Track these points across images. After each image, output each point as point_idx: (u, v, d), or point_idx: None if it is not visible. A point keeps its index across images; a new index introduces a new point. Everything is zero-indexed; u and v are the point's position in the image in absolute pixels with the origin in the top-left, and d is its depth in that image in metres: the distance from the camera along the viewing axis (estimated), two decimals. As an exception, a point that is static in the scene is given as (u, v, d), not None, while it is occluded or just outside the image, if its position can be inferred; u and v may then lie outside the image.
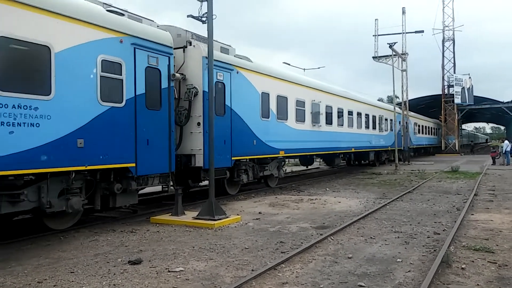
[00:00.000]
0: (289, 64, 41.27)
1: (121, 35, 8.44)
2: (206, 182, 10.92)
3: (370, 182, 17.29)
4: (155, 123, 9.15)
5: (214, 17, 9.47)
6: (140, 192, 11.41)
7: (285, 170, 18.01)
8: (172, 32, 10.34)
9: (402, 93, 35.62)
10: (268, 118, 13.77)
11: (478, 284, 5.05)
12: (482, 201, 11.66)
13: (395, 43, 29.24)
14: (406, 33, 38.37)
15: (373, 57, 40.10)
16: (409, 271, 5.54)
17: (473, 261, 5.96)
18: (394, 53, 30.40)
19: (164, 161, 9.46)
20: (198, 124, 10.79)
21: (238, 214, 9.62)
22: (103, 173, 8.30)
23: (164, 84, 9.52)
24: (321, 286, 5.00)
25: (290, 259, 6.03)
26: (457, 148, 49.74)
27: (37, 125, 6.81)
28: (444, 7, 48.74)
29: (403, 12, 38.93)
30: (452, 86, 47.99)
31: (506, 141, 29.38)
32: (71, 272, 5.61)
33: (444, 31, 49.04)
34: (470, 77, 48.44)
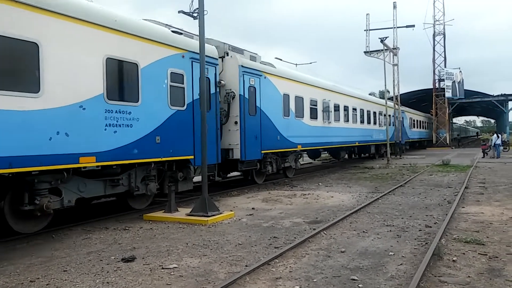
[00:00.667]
0: (281, 60, 41.12)
1: (183, 51, 10.21)
2: (230, 174, 13.84)
3: (362, 177, 17.39)
4: (207, 122, 10.19)
5: (205, 12, 9.43)
6: None
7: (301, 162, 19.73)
8: (212, 44, 11.97)
9: (394, 87, 35.77)
10: (289, 116, 15.60)
11: (469, 276, 5.12)
12: (473, 194, 11.79)
13: (386, 37, 29.38)
14: (397, 27, 38.51)
15: (365, 52, 40.22)
16: (401, 264, 5.60)
17: (464, 253, 6.03)
18: (385, 48, 30.51)
19: (213, 154, 11.20)
20: (236, 123, 12.55)
21: (231, 210, 9.63)
22: (169, 164, 10.14)
23: (212, 90, 11.31)
24: (315, 280, 5.03)
25: (283, 254, 6.05)
26: (448, 141, 50.18)
27: (131, 126, 8.65)
28: (434, 2, 49.00)
29: (394, 7, 39.00)
30: (443, 80, 48.32)
31: (495, 135, 29.71)
32: (64, 271, 5.58)
33: (434, 26, 49.32)
34: (460, 71, 48.81)
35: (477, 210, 9.38)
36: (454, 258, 5.78)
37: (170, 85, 9.80)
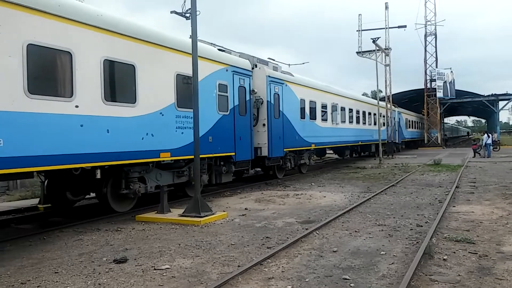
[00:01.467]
0: (273, 60, 41.21)
1: (226, 66, 12.32)
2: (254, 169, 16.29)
3: (354, 177, 17.47)
4: (243, 125, 13.11)
5: (198, 13, 9.41)
6: None
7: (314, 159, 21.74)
8: (244, 58, 14.11)
9: (386, 87, 36.00)
10: (304, 118, 17.77)
11: (459, 275, 5.17)
12: (464, 193, 11.90)
13: (378, 38, 29.55)
14: (389, 28, 38.73)
15: (357, 52, 40.37)
16: (392, 263, 5.64)
17: (454, 252, 6.09)
18: (377, 48, 30.68)
19: (247, 151, 13.49)
20: (263, 125, 14.47)
21: (224, 211, 9.63)
22: (216, 159, 12.16)
23: (247, 97, 13.53)
24: (307, 280, 5.05)
25: (276, 254, 6.07)
26: (439, 141, 50.59)
27: (190, 128, 10.24)
28: (426, 2, 49.40)
29: (386, 8, 39.23)
30: (434, 80, 48.69)
31: (486, 134, 30.01)
32: (55, 273, 5.54)
33: (426, 26, 49.72)
34: (451, 71, 49.22)
35: (467, 209, 9.47)
36: (444, 257, 5.83)
37: (218, 94, 11.92)
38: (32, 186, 15.35)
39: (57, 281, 5.20)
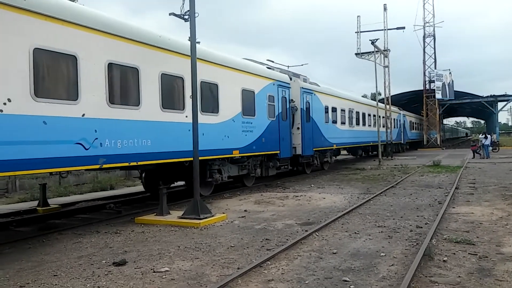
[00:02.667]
0: (272, 62, 41.18)
1: (273, 81, 15.22)
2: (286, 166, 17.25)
3: (354, 178, 17.47)
4: (285, 128, 15.99)
5: (196, 15, 9.42)
6: (124, 192, 12.73)
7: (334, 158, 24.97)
8: (283, 73, 17.16)
9: (385, 89, 36.06)
10: (328, 122, 20.72)
11: (459, 276, 5.16)
12: (463, 194, 11.90)
13: (377, 39, 29.58)
14: (388, 29, 38.79)
15: (356, 54, 40.36)
16: (392, 264, 5.63)
17: (454, 254, 6.08)
18: (376, 50, 30.70)
19: (288, 149, 16.30)
20: (298, 128, 17.10)
21: (223, 213, 9.61)
22: (265, 156, 14.95)
23: (287, 105, 16.34)
24: (307, 282, 5.04)
25: (275, 256, 6.05)
26: (438, 142, 50.62)
27: (251, 131, 13.52)
28: (424, 4, 49.51)
29: (385, 9, 39.31)
30: (433, 81, 48.75)
31: (484, 135, 30.04)
32: (54, 275, 5.53)
33: (424, 28, 49.81)
34: (450, 73, 49.26)
35: (467, 210, 9.47)
36: (444, 258, 5.82)
37: (268, 104, 14.73)
38: (31, 188, 15.33)
39: (56, 284, 5.19)
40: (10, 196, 14.28)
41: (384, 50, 35.64)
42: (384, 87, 35.86)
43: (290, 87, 16.60)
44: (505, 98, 49.75)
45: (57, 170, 7.81)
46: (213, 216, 8.95)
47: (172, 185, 13.24)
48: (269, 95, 14.73)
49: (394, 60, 63.81)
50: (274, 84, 15.16)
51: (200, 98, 10.73)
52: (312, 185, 15.12)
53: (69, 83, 7.69)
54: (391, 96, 37.45)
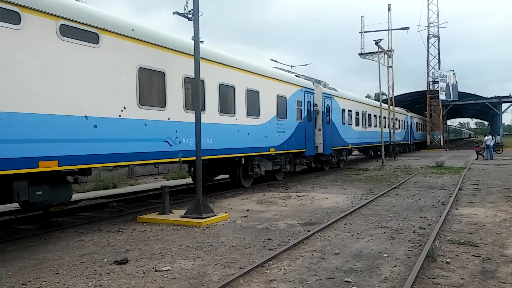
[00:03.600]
0: (276, 61, 41.14)
1: (301, 87, 17.18)
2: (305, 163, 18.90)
3: (357, 178, 17.42)
4: (310, 129, 17.90)
5: (200, 14, 9.40)
6: (127, 191, 12.67)
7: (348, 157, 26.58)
8: (308, 79, 18.88)
9: (388, 89, 35.95)
10: (344, 124, 22.64)
11: (462, 278, 5.12)
12: (466, 196, 11.84)
13: (381, 40, 29.48)
14: (392, 30, 38.65)
15: (360, 54, 40.32)
16: (395, 266, 5.60)
17: (457, 255, 6.05)
18: (380, 50, 30.62)
19: (312, 148, 18.25)
20: (319, 129, 18.86)
21: (226, 212, 9.60)
22: (293, 154, 16.72)
23: (312, 109, 18.23)
24: (309, 282, 5.02)
25: (277, 256, 6.04)
26: (442, 143, 50.46)
27: (284, 132, 15.41)
28: (429, 4, 49.26)
29: (389, 9, 39.15)
30: (437, 82, 48.56)
31: (489, 136, 29.89)
32: (56, 273, 5.53)
33: (429, 28, 49.56)
34: (454, 74, 49.06)
35: (470, 212, 9.42)
36: (447, 260, 5.79)
37: (297, 108, 16.58)
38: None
39: (58, 282, 5.19)
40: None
41: (388, 51, 35.51)
42: (388, 87, 35.76)
43: (314, 93, 18.57)
44: (509, 99, 49.46)
45: (153, 162, 9.84)
46: (215, 215, 8.94)
47: (172, 185, 13.30)
48: (297, 100, 16.73)
49: (398, 61, 63.85)
50: (301, 90, 17.13)
51: (246, 103, 13.07)
52: (315, 185, 15.09)
53: (159, 94, 9.71)
54: (395, 96, 37.34)
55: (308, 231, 7.58)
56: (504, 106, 50.49)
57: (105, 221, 9.15)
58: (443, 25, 52.28)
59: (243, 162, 13.46)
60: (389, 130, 32.96)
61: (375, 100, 38.16)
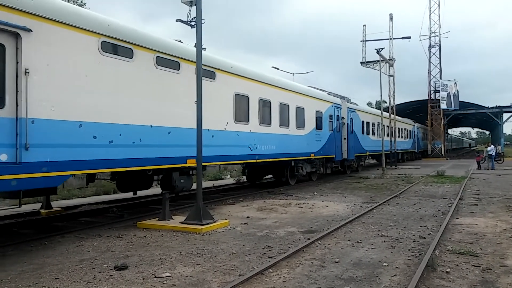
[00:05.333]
0: (278, 69, 41.39)
1: (332, 103, 20.61)
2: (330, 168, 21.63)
3: (357, 186, 17.41)
4: (338, 138, 21.17)
5: (203, 21, 9.47)
6: (127, 196, 13.73)
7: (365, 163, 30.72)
8: (337, 97, 22.48)
9: (390, 98, 36.02)
10: (364, 134, 26.13)
11: (462, 288, 5.11)
12: (467, 205, 11.82)
13: (382, 48, 29.60)
14: (394, 39, 38.83)
15: (361, 63, 40.44)
16: (394, 275, 5.59)
17: (457, 265, 6.04)
18: (381, 59, 30.73)
19: (340, 154, 21.51)
20: (344, 138, 22.11)
21: (226, 219, 9.60)
22: (324, 159, 19.87)
23: (340, 121, 21.51)
24: (308, 290, 5.01)
25: (277, 263, 6.03)
26: (443, 152, 50.44)
27: (320, 140, 18.68)
28: (430, 14, 49.55)
29: (391, 19, 39.39)
30: (438, 91, 48.69)
31: (492, 146, 29.86)
32: (56, 279, 5.53)
33: (430, 38, 49.80)
34: (455, 83, 49.20)
35: (471, 221, 9.40)
36: (447, 270, 5.78)
37: (329, 121, 20.04)
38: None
39: (57, 287, 5.19)
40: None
41: (389, 59, 35.65)
42: (389, 96, 35.85)
43: (341, 107, 21.96)
44: (510, 109, 49.57)
45: (241, 162, 13.80)
46: (215, 222, 8.94)
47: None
48: (330, 114, 20.20)
49: (399, 70, 64.02)
50: (332, 106, 20.60)
51: (296, 118, 16.39)
52: (315, 193, 15.07)
53: (245, 112, 12.98)
54: (396, 105, 37.41)
55: (308, 239, 7.58)
56: (506, 116, 50.63)
57: (105, 227, 9.15)
58: (445, 34, 52.49)
59: (292, 164, 16.85)
60: (390, 138, 33.02)
61: (377, 108, 38.29)
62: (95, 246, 7.36)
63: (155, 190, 16.89)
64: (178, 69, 10.07)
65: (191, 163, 10.23)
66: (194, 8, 9.62)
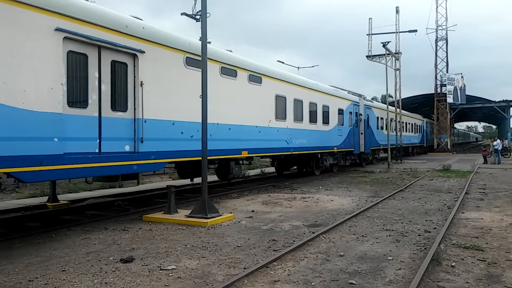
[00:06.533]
0: (283, 63, 41.26)
1: (352, 102, 22.63)
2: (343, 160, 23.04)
3: (362, 181, 17.38)
4: (356, 133, 23.01)
5: (208, 15, 9.43)
6: (133, 190, 14.00)
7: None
8: (355, 95, 24.52)
9: (396, 92, 35.81)
10: (378, 129, 28.05)
11: (467, 282, 5.10)
12: (473, 200, 11.77)
13: (388, 42, 29.40)
14: (400, 32, 38.52)
15: (367, 56, 40.19)
16: (399, 268, 5.59)
17: (463, 259, 6.02)
18: (387, 52, 30.52)
19: (358, 148, 23.33)
20: (361, 133, 23.94)
21: (231, 212, 9.63)
22: (345, 152, 21.75)
23: (358, 117, 23.38)
24: (313, 284, 5.03)
25: (282, 257, 6.05)
26: (449, 147, 50.16)
27: (341, 135, 20.77)
28: (437, 7, 49.06)
29: (397, 12, 39.02)
30: (445, 85, 48.34)
31: (498, 140, 29.65)
32: (63, 271, 5.58)
33: (437, 31, 49.36)
34: (462, 77, 48.79)
35: (477, 216, 9.37)
36: (453, 264, 5.77)
37: (349, 117, 21.90)
38: (41, 184, 15.49)
39: (64, 279, 5.24)
40: (20, 191, 14.45)
41: (395, 53, 35.39)
42: (395, 90, 35.64)
43: (359, 105, 23.85)
44: (517, 103, 49.11)
45: (279, 154, 15.39)
46: (220, 215, 8.97)
47: (177, 185, 13.92)
48: (349, 111, 22.14)
49: (406, 63, 63.51)
50: (351, 104, 22.53)
51: (322, 115, 18.33)
52: (320, 187, 15.07)
53: (283, 111, 15.00)
54: (402, 99, 37.21)
55: (313, 232, 7.59)
56: (513, 110, 50.08)
57: (111, 220, 9.21)
58: (452, 28, 52.14)
59: (319, 156, 18.99)
60: (396, 132, 32.86)
61: (383, 102, 38.11)
62: (101, 239, 7.42)
63: (160, 184, 16.99)
64: (235, 76, 12.21)
65: (245, 154, 12.61)
66: (199, 1, 9.59)
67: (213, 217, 8.72)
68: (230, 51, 13.04)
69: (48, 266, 5.81)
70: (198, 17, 9.79)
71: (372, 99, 49.04)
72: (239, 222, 8.80)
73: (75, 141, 7.55)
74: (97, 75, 8.02)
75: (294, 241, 7.05)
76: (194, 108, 9.91)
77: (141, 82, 8.66)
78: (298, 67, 42.40)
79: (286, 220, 8.95)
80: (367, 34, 41.41)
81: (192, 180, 13.11)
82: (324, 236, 7.38)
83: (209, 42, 10.43)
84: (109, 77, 8.22)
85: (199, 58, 9.61)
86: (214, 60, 11.05)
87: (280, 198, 12.23)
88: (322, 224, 8.43)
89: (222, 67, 11.48)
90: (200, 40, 9.68)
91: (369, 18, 42.24)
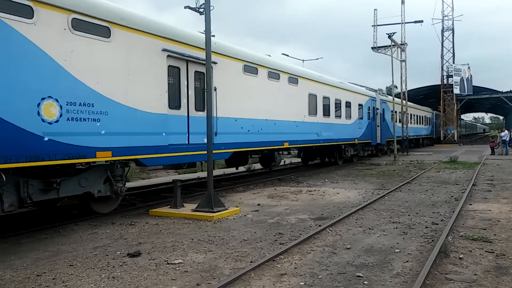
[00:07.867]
0: (287, 56, 41.05)
1: (369, 97, 24.39)
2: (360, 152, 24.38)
3: (369, 173, 17.31)
4: (373, 126, 24.70)
5: (211, 8, 9.37)
6: (139, 184, 13.76)
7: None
8: (371, 90, 26.22)
9: (401, 83, 35.52)
10: (393, 122, 29.14)
11: (475, 274, 5.07)
12: (481, 191, 11.68)
13: (394, 33, 29.11)
14: (405, 23, 38.09)
15: (372, 48, 39.81)
16: (407, 261, 5.56)
17: (471, 251, 5.98)
18: (393, 44, 30.25)
19: (375, 140, 25.07)
20: (378, 126, 25.52)
21: (237, 206, 9.63)
22: (363, 143, 23.67)
23: (375, 111, 25.09)
24: (320, 277, 5.02)
25: (288, 250, 6.04)
26: (456, 138, 49.81)
27: (361, 128, 22.72)
28: (443, -3, 48.40)
29: (402, 2, 38.48)
30: (451, 76, 47.86)
31: (506, 131, 29.36)
32: (70, 265, 5.62)
33: (443, 21, 48.78)
34: (469, 67, 48.27)
35: (484, 207, 9.30)
36: (460, 256, 5.73)
37: (367, 111, 23.59)
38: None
39: (72, 274, 5.27)
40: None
41: (401, 44, 35.04)
42: (401, 81, 35.33)
43: (376, 100, 25.50)
44: (525, 93, 48.57)
45: (312, 145, 17.32)
46: (226, 209, 8.98)
47: (183, 179, 13.66)
48: (368, 106, 23.87)
49: (412, 54, 62.96)
50: (369, 99, 24.28)
51: (345, 110, 20.23)
52: (326, 180, 15.03)
53: (314, 107, 16.92)
54: (408, 90, 36.90)
55: (320, 225, 7.57)
56: (520, 100, 49.53)
57: (117, 214, 9.25)
58: (458, 18, 51.40)
59: (342, 147, 20.74)
60: (402, 124, 32.67)
61: (388, 94, 37.87)
62: (109, 233, 7.45)
63: (166, 178, 17.04)
64: (278, 79, 14.18)
65: (286, 145, 14.74)
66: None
67: (219, 211, 8.73)
68: (269, 55, 15.25)
69: (55, 261, 5.85)
70: (201, 10, 9.71)
71: (378, 90, 49.02)
72: (245, 215, 8.81)
73: (174, 135, 9.70)
74: (186, 83, 10.20)
75: (300, 234, 7.04)
76: (249, 107, 12.44)
77: (215, 87, 10.66)
78: (303, 60, 42.16)
79: (292, 214, 8.94)
80: (372, 26, 40.90)
81: (237, 168, 15.98)
82: (330, 229, 7.36)
83: (213, 36, 10.39)
84: (193, 84, 10.43)
85: (253, 66, 12.62)
86: (263, 66, 13.31)
87: (286, 191, 12.21)
88: (329, 217, 8.41)
89: (269, 71, 13.59)
90: (203, 33, 9.63)
91: (374, 9, 41.78)
